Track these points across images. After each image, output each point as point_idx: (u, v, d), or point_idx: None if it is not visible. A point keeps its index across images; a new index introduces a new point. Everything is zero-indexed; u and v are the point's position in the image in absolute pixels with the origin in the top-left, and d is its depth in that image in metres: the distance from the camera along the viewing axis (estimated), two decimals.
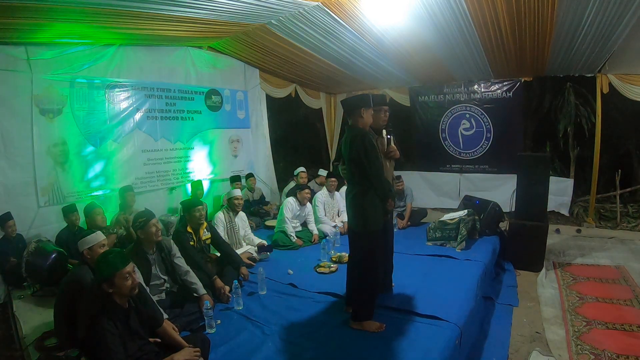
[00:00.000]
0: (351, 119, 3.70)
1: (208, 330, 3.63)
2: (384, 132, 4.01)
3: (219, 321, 3.80)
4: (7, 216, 5.11)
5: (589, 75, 7.49)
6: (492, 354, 3.73)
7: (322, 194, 7.16)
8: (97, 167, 6.26)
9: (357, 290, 3.73)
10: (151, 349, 2.76)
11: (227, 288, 4.25)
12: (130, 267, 2.65)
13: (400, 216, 7.22)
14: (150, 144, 7.01)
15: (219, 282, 4.30)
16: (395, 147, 3.98)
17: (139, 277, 3.39)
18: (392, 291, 4.26)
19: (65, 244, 5.00)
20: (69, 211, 5.32)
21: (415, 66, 7.93)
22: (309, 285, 4.62)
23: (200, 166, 7.92)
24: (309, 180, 8.49)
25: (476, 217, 6.09)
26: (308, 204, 6.75)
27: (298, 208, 6.61)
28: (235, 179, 7.70)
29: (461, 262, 5.20)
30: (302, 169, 8.22)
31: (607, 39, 5.70)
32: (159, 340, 2.97)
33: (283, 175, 10.76)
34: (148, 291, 3.50)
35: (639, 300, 4.65)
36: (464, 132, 9.26)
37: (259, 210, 8.08)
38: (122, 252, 2.80)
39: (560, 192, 8.44)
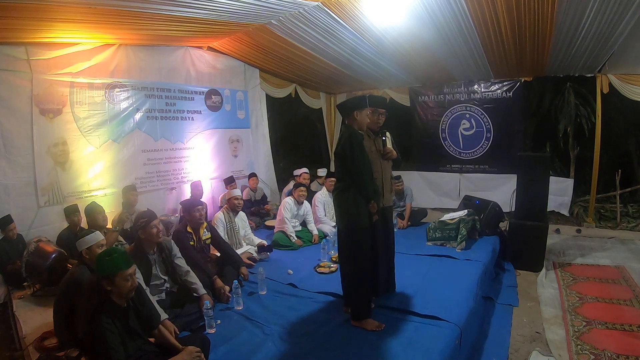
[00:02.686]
0: (347, 120, 3.79)
1: (208, 330, 3.63)
2: (380, 133, 4.06)
3: (219, 321, 3.79)
4: (8, 219, 5.10)
5: (589, 75, 7.50)
6: (492, 353, 3.73)
7: (321, 194, 7.16)
8: (97, 167, 6.26)
9: (350, 289, 3.75)
10: (151, 349, 2.76)
11: (227, 288, 4.25)
12: (132, 269, 2.64)
13: (400, 216, 7.22)
14: (150, 144, 7.01)
15: (219, 282, 4.30)
16: (392, 148, 4.00)
17: (138, 278, 3.39)
18: (383, 295, 4.25)
19: (66, 244, 4.99)
20: (71, 212, 5.31)
21: (415, 66, 7.93)
22: (309, 285, 4.63)
23: (200, 166, 7.92)
24: (310, 181, 8.49)
25: (476, 217, 6.09)
26: (306, 202, 6.75)
27: (296, 207, 6.61)
28: (230, 181, 7.69)
29: (461, 262, 5.20)
30: (305, 169, 8.22)
31: (607, 39, 5.70)
32: None
33: (283, 175, 10.75)
34: (148, 292, 3.50)
35: (639, 300, 4.65)
36: (464, 132, 9.26)
37: (259, 210, 8.08)
38: (126, 254, 2.80)
39: (560, 192, 8.44)
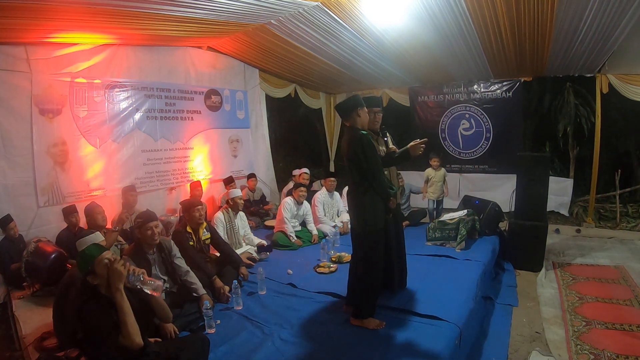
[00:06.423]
0: (349, 120, 3.73)
1: (208, 330, 3.63)
2: (380, 133, 4.07)
3: (218, 321, 3.80)
4: (8, 219, 5.08)
5: (589, 75, 7.50)
6: (491, 353, 3.73)
7: (321, 194, 7.17)
8: (97, 167, 6.24)
9: (360, 289, 3.74)
10: (146, 342, 2.73)
11: (227, 288, 4.25)
12: (107, 254, 2.63)
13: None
14: (149, 144, 7.00)
15: (218, 282, 4.31)
16: (396, 148, 4.02)
17: None
18: (398, 291, 4.27)
19: (65, 244, 4.99)
20: (69, 212, 5.31)
21: (415, 66, 7.93)
22: (309, 285, 4.63)
23: (200, 166, 7.92)
24: (311, 182, 8.48)
25: (476, 217, 6.10)
26: (305, 202, 6.77)
27: (295, 207, 6.62)
28: (229, 181, 7.70)
29: (461, 262, 5.21)
30: (305, 169, 8.23)
31: (606, 39, 5.70)
32: (159, 340, 2.97)
33: (283, 175, 10.76)
34: None
35: (638, 300, 4.66)
36: (464, 132, 9.26)
37: (258, 210, 8.09)
38: (97, 244, 2.81)
39: (559, 192, 8.45)
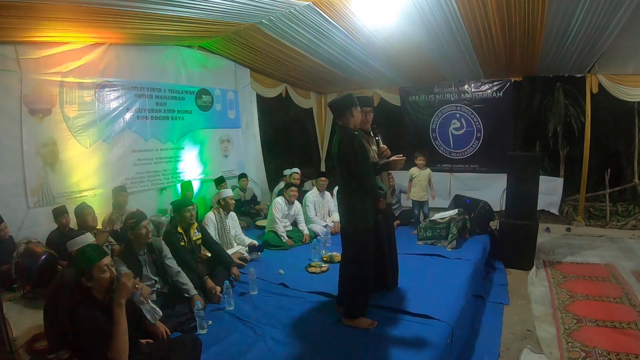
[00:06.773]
0: (342, 119, 3.71)
1: (199, 331, 3.62)
2: (371, 133, 4.07)
3: (210, 322, 3.79)
4: None
5: (579, 75, 7.56)
6: (483, 352, 3.75)
7: (312, 194, 7.17)
8: (87, 168, 6.19)
9: (351, 289, 3.73)
10: (136, 344, 2.72)
11: (218, 288, 4.24)
12: (107, 259, 2.61)
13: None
14: (140, 144, 6.96)
15: (210, 283, 4.29)
16: (386, 147, 4.02)
17: None
18: (391, 289, 4.28)
19: (55, 245, 4.95)
20: (59, 213, 5.26)
21: (406, 66, 7.95)
22: (300, 285, 4.62)
23: (191, 166, 7.88)
24: (302, 181, 8.47)
25: (467, 216, 6.12)
26: (296, 202, 6.77)
27: (287, 207, 6.62)
28: (220, 181, 7.68)
29: (452, 261, 5.23)
30: (296, 169, 8.22)
31: (596, 40, 5.75)
32: (150, 340, 2.95)
33: (274, 175, 10.73)
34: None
35: (628, 298, 4.70)
36: (454, 132, 9.28)
37: (249, 210, 8.07)
38: (98, 246, 2.78)
39: (550, 191, 8.49)
